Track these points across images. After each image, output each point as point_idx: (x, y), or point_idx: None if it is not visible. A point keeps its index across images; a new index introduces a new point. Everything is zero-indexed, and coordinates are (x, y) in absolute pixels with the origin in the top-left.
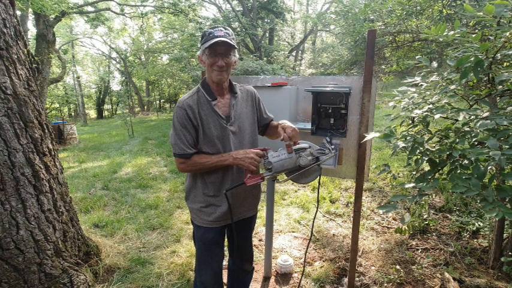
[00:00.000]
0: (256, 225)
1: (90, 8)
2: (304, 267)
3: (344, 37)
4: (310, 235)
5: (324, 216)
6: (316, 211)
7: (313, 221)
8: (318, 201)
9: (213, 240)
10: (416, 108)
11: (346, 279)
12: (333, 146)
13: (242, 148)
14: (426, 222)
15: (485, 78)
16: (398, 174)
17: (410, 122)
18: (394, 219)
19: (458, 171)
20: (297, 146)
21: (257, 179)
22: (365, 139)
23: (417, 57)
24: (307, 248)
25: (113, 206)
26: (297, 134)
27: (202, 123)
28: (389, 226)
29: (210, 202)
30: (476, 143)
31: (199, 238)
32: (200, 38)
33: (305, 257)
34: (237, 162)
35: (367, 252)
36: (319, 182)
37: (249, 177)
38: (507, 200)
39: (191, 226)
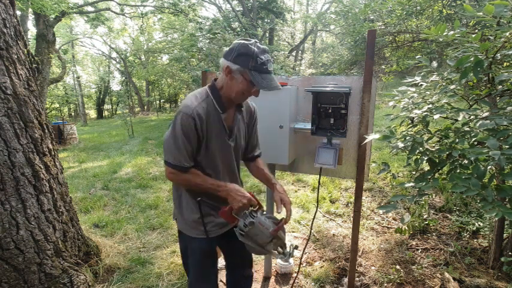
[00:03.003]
0: None
1: (90, 8)
2: (300, 264)
3: (344, 37)
4: (309, 234)
5: (324, 216)
6: (316, 211)
7: (313, 221)
8: (317, 201)
9: (211, 250)
10: (416, 108)
11: (346, 279)
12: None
13: (232, 165)
14: (426, 222)
15: (485, 78)
16: (398, 174)
17: (410, 122)
18: (394, 219)
19: (458, 171)
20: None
21: (229, 219)
22: (365, 141)
23: (417, 57)
24: (304, 247)
25: (113, 206)
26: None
27: (208, 136)
28: (389, 226)
29: (208, 212)
30: (476, 143)
31: (195, 251)
32: (244, 52)
33: (301, 256)
34: (229, 198)
35: (367, 252)
36: (319, 182)
37: (227, 211)
38: (507, 200)
39: None
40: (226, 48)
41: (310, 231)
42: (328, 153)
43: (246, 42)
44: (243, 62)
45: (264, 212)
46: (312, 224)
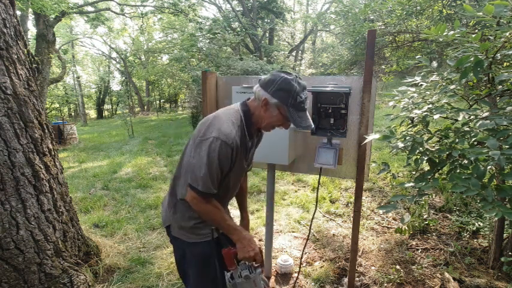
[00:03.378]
0: (256, 225)
1: (90, 8)
2: (300, 264)
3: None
4: (308, 234)
5: (324, 216)
6: (315, 211)
7: (311, 221)
8: (316, 201)
9: (213, 252)
10: (416, 108)
11: (346, 279)
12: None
13: (238, 184)
14: (426, 222)
15: (485, 78)
16: (398, 174)
17: (410, 122)
18: (394, 219)
19: (458, 171)
20: None
21: (228, 262)
22: (365, 141)
23: (417, 57)
24: (304, 247)
25: (113, 206)
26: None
27: (235, 163)
28: (389, 226)
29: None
30: (476, 143)
31: (198, 255)
32: (284, 88)
33: (302, 255)
34: (239, 244)
35: (367, 252)
36: (318, 182)
37: (231, 253)
38: (507, 199)
39: None
40: (264, 76)
41: (310, 231)
42: (328, 153)
43: (288, 77)
44: (283, 97)
45: (262, 273)
46: (311, 223)
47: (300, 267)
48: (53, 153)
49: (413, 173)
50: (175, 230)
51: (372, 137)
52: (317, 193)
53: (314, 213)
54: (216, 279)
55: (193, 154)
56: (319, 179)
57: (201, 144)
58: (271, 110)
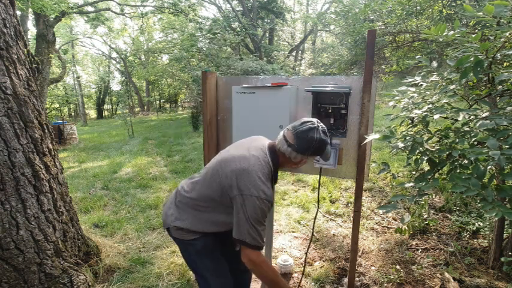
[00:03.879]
0: None
1: (90, 8)
2: (304, 267)
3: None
4: (311, 235)
5: (324, 216)
6: (317, 212)
7: (314, 221)
8: (318, 201)
9: (216, 243)
10: (416, 108)
11: (346, 279)
12: None
13: None
14: (426, 222)
15: (485, 78)
16: (398, 174)
17: (410, 122)
18: (394, 219)
19: (458, 171)
20: None
21: None
22: (365, 141)
23: (417, 57)
24: (308, 248)
25: (113, 206)
26: None
27: None
28: (389, 226)
29: None
30: (476, 143)
31: (202, 249)
32: (319, 148)
33: (305, 258)
34: None
35: (367, 252)
36: (319, 183)
37: None
38: (507, 200)
39: None
40: (292, 135)
41: (312, 232)
42: None
43: (322, 137)
44: (317, 153)
45: None
46: (314, 225)
47: (303, 270)
48: (53, 153)
49: (413, 173)
50: (173, 231)
51: (372, 137)
52: (318, 194)
53: (316, 214)
54: (227, 272)
55: (240, 208)
56: (319, 179)
57: (245, 201)
58: (299, 159)
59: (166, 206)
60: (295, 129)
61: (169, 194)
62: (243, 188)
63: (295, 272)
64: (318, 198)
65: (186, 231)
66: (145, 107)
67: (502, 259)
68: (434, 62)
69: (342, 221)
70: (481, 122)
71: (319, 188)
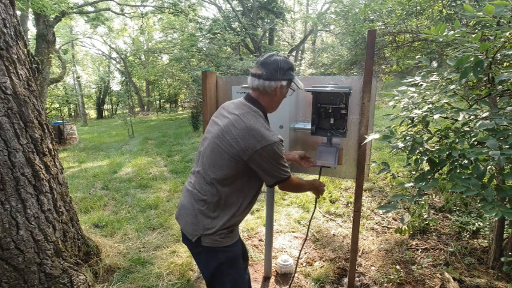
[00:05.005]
0: (256, 225)
1: (90, 8)
2: (297, 262)
3: (344, 37)
4: (306, 233)
5: (324, 216)
6: (314, 210)
7: (310, 219)
8: (316, 201)
9: (239, 251)
10: (416, 108)
11: (346, 279)
12: None
13: None
14: (426, 222)
15: (485, 78)
16: (398, 174)
17: (410, 122)
18: (394, 219)
19: (458, 171)
20: None
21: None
22: (365, 141)
23: (417, 57)
24: (302, 246)
25: (113, 206)
26: None
27: None
28: (389, 226)
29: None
30: (476, 143)
31: (233, 258)
32: (288, 67)
33: (299, 254)
34: (315, 191)
35: (367, 252)
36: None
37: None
38: (507, 200)
39: None
40: (255, 70)
41: (308, 230)
42: (328, 152)
43: (281, 57)
44: (291, 74)
45: None
46: (310, 223)
47: (296, 267)
48: (53, 153)
49: (413, 173)
50: (207, 238)
51: (371, 137)
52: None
53: (313, 213)
54: (245, 278)
55: (262, 162)
56: (319, 177)
57: (263, 153)
58: (283, 90)
59: (185, 219)
60: (258, 62)
61: (169, 194)
62: (254, 144)
63: (296, 272)
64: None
65: (220, 234)
66: (145, 107)
67: (502, 259)
68: (434, 62)
69: (342, 221)
70: (481, 122)
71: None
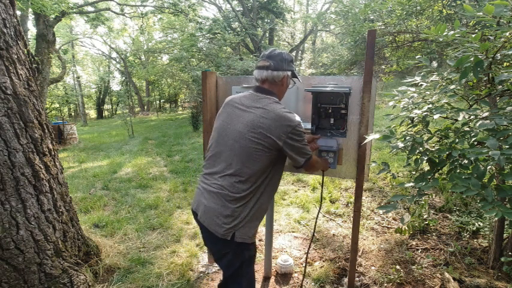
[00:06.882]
0: None
1: (90, 8)
2: (305, 267)
3: (344, 37)
4: (312, 235)
5: (324, 216)
6: (319, 212)
7: (316, 221)
8: (321, 200)
9: (256, 251)
10: (416, 108)
11: (346, 279)
12: None
13: None
14: (426, 222)
15: (485, 78)
16: (398, 174)
17: (410, 122)
18: (394, 219)
19: (458, 171)
20: None
21: None
22: (365, 141)
23: (417, 57)
24: (308, 248)
25: (113, 206)
26: None
27: None
28: (389, 226)
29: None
30: (476, 143)
31: (253, 256)
32: (290, 59)
33: (306, 257)
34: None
35: (367, 252)
36: (322, 183)
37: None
38: (507, 200)
39: (191, 226)
40: (262, 62)
41: (314, 232)
42: (328, 139)
43: (283, 51)
44: (292, 66)
45: None
46: (315, 224)
47: (304, 271)
48: (53, 153)
49: (413, 173)
50: (240, 233)
51: (372, 137)
52: (321, 193)
53: (318, 214)
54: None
55: (293, 143)
56: (322, 179)
57: (294, 135)
58: (288, 81)
59: (214, 221)
60: (263, 56)
61: (169, 194)
62: (285, 129)
63: (295, 272)
64: (321, 197)
65: (249, 228)
66: (145, 107)
67: (502, 259)
68: (434, 62)
69: (342, 221)
70: (481, 122)
71: (322, 186)
